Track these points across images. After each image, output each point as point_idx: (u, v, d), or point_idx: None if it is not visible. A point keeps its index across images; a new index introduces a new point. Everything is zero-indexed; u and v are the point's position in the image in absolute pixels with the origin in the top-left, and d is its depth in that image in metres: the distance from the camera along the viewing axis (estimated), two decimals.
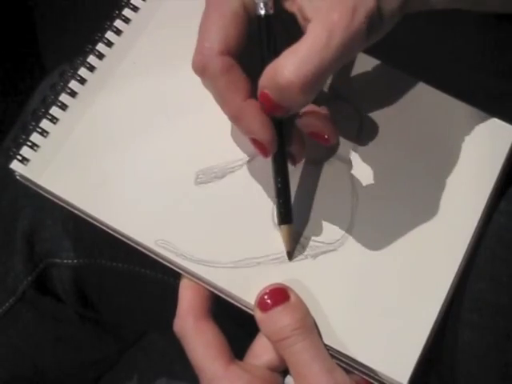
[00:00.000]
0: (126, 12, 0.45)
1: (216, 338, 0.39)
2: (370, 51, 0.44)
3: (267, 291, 0.39)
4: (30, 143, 0.42)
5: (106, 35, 0.44)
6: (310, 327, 0.39)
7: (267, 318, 0.39)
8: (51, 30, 0.87)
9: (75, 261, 0.52)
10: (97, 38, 0.44)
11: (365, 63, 0.45)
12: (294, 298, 0.39)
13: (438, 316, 0.40)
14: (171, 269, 0.41)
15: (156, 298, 0.52)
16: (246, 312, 0.40)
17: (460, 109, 0.44)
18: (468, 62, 0.51)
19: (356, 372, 0.40)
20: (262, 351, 0.40)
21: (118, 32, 0.45)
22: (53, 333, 0.56)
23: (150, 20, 0.45)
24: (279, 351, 0.39)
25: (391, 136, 0.44)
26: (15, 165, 0.42)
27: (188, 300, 0.40)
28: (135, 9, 0.45)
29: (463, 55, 0.51)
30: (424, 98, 0.45)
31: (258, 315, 0.39)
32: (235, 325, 0.43)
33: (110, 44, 0.44)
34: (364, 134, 0.44)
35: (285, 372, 0.40)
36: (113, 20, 0.45)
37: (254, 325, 0.40)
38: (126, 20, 0.45)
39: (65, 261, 0.52)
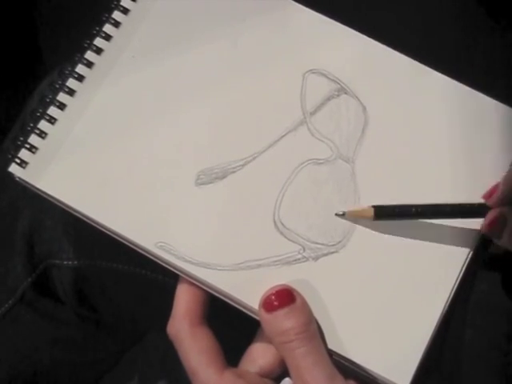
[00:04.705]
0: (125, 2, 0.44)
1: (210, 344, 0.39)
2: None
3: (274, 292, 0.39)
4: (28, 145, 0.42)
5: (104, 28, 0.44)
6: (313, 332, 0.38)
7: (272, 318, 0.39)
8: (51, 30, 0.87)
9: (75, 262, 0.52)
10: (95, 32, 0.44)
11: (374, 53, 0.44)
12: (299, 300, 0.39)
13: (440, 319, 0.40)
14: (172, 270, 0.41)
15: (156, 298, 0.52)
16: (243, 315, 0.40)
17: (475, 103, 0.43)
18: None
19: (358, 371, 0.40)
20: (257, 355, 0.40)
21: (117, 24, 0.44)
22: (52, 334, 0.56)
23: (150, 10, 0.44)
24: (281, 353, 0.39)
25: (397, 134, 0.43)
26: (14, 168, 0.42)
27: (185, 304, 0.40)
28: None
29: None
30: (436, 92, 0.44)
31: (263, 315, 0.39)
32: (230, 328, 0.43)
33: (108, 37, 0.44)
34: (369, 131, 0.43)
35: (278, 379, 0.40)
36: (111, 12, 0.44)
37: (249, 328, 0.40)
38: (125, 11, 0.44)
39: (65, 262, 0.52)
